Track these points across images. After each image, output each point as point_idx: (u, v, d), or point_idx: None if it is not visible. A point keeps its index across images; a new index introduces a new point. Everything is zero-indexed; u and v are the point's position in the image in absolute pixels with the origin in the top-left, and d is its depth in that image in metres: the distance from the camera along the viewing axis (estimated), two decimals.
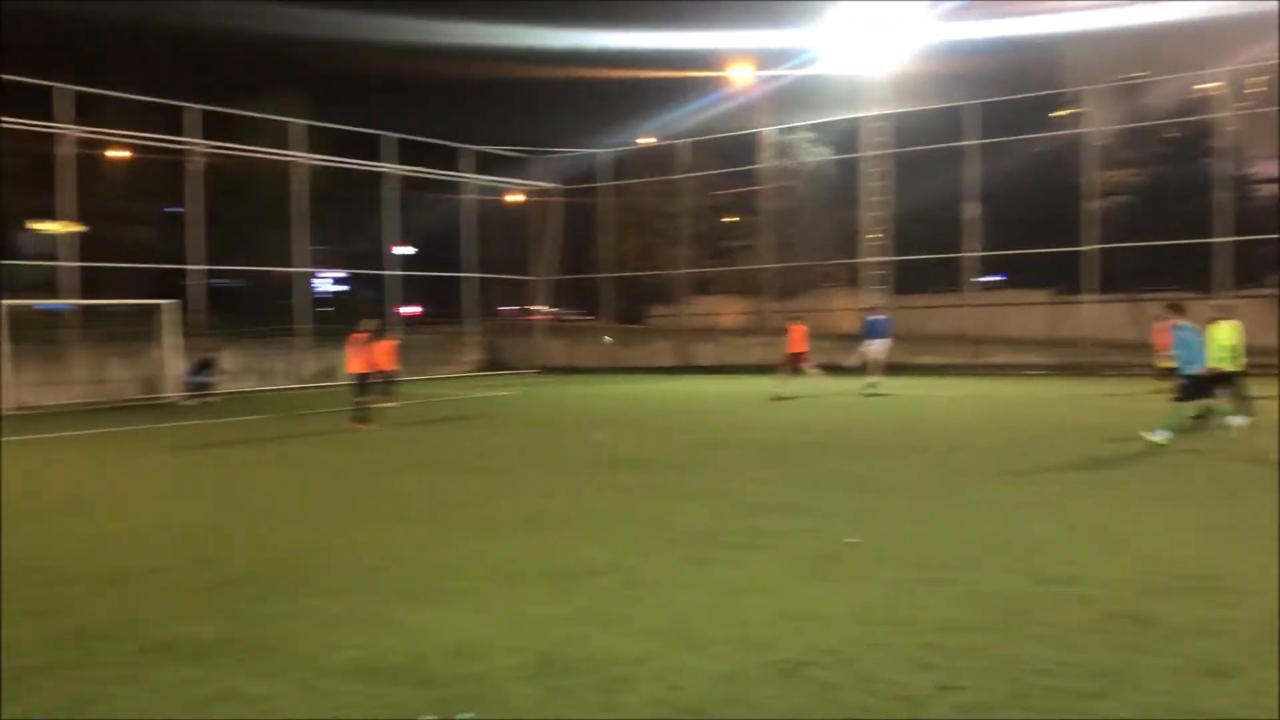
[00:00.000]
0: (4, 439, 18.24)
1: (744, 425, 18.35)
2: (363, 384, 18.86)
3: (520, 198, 41.93)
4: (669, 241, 39.82)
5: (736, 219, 43.17)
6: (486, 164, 39.22)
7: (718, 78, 40.96)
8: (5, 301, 25.22)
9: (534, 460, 14.31)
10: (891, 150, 33.63)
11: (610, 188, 40.16)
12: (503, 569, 7.55)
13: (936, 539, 8.30)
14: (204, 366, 26.29)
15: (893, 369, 25.45)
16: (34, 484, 13.13)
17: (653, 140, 43.92)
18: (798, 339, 24.15)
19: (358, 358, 18.73)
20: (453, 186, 38.70)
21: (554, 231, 40.94)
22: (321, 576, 7.47)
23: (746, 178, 38.16)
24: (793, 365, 24.06)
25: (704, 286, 40.40)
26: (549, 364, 39.37)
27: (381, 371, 20.24)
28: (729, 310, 38.55)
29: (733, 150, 38.09)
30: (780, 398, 22.85)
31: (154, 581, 7.43)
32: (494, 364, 39.44)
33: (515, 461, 14.24)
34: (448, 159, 38.10)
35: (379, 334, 20.32)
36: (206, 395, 25.73)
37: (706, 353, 35.82)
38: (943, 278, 34.23)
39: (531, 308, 43.71)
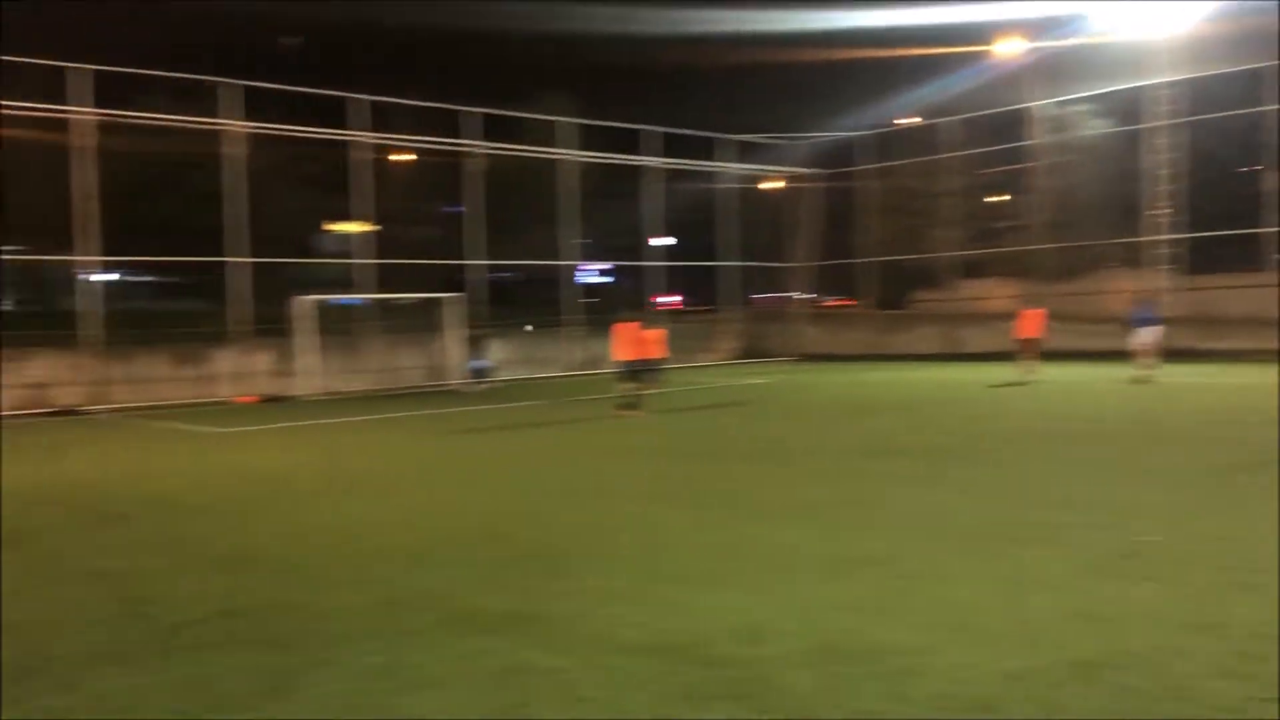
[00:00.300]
0: (318, 422, 20.05)
1: (1015, 413, 17.59)
2: (629, 371, 19.37)
3: (778, 184, 41.78)
4: (932, 223, 38.57)
5: (1005, 198, 41.21)
6: (744, 151, 39.36)
7: (983, 51, 39.17)
8: (309, 297, 27.70)
9: (799, 447, 14.27)
10: (1180, 119, 31.16)
11: (870, 170, 39.35)
12: (777, 555, 7.58)
13: (1240, 537, 7.64)
14: (478, 352, 27.85)
15: (1180, 355, 23.79)
16: (343, 464, 14.36)
17: (914, 120, 42.58)
18: (1031, 324, 23.86)
19: (624, 346, 19.25)
20: (711, 176, 39.08)
21: (812, 216, 40.54)
22: (602, 556, 7.76)
23: (1016, 154, 36.36)
24: (1025, 351, 23.63)
25: (970, 269, 38.79)
26: (807, 351, 39.07)
27: (647, 359, 20.65)
28: (998, 294, 36.84)
29: (1000, 126, 36.37)
30: (1015, 383, 22.46)
31: (450, 556, 7.95)
32: (752, 352, 39.55)
33: (780, 448, 14.26)
34: (706, 149, 38.51)
35: (647, 323, 20.78)
36: (486, 381, 27.21)
37: (974, 338, 34.45)
38: (1242, 255, 31.37)
39: (789, 294, 43.51)
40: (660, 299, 38.17)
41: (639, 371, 19.67)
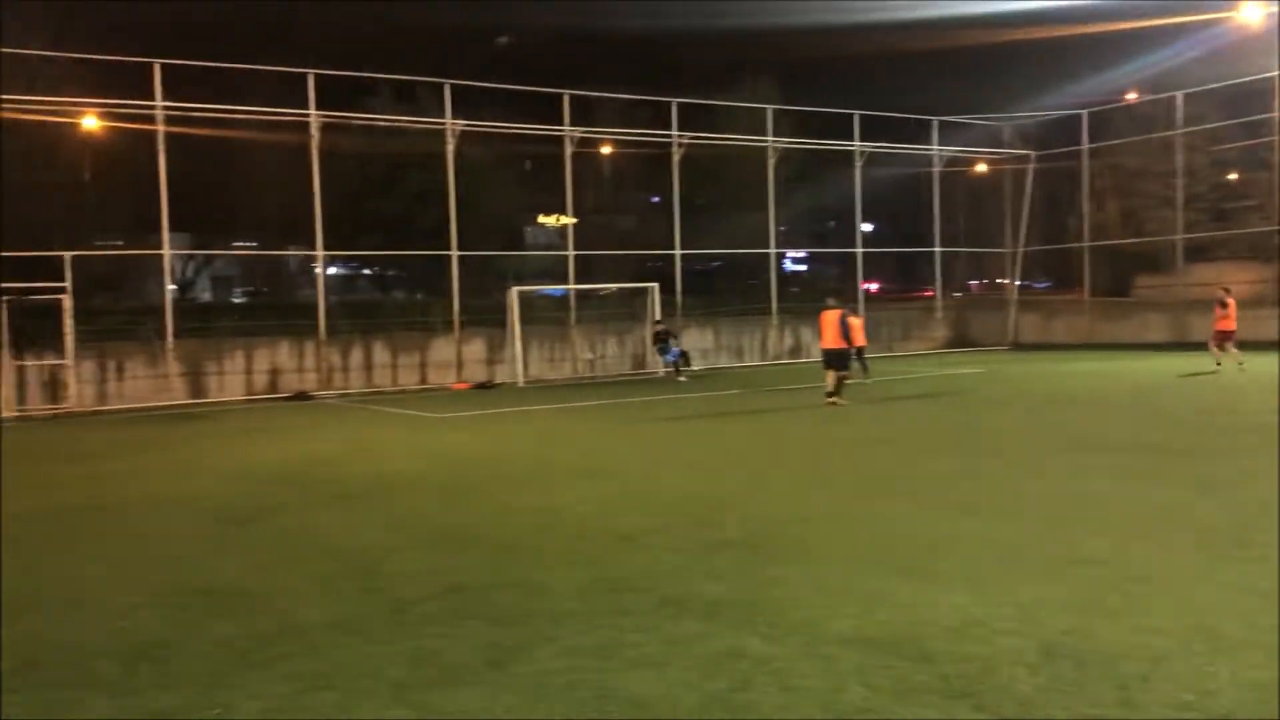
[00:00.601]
0: (527, 408, 20.76)
1: (1247, 406, 16.35)
2: (835, 360, 19.12)
3: (989, 166, 40.20)
4: (1159, 204, 36.24)
5: (1243, 175, 38.28)
6: (951, 133, 38.08)
7: (1219, 18, 36.43)
8: (519, 288, 28.65)
9: (1014, 440, 13.76)
10: None
11: (1090, 149, 37.30)
12: (994, 551, 7.35)
13: None
14: (663, 341, 27.73)
15: None
16: (552, 448, 14.82)
17: (1135, 95, 40.08)
18: (1234, 314, 22.59)
19: (830, 334, 19.01)
20: (914, 159, 38.03)
21: (1026, 199, 38.80)
22: (811, 545, 7.72)
23: (1256, 129, 33.68)
24: (1223, 342, 22.94)
25: (1201, 253, 36.30)
26: (1020, 340, 37.60)
27: (853, 348, 20.32)
28: (1234, 279, 34.31)
29: (1238, 99, 33.77)
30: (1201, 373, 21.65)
31: (660, 541, 8.08)
32: (961, 340, 38.34)
33: (994, 441, 13.79)
34: (909, 131, 37.51)
35: (849, 310, 20.45)
36: (683, 370, 27.26)
37: (1205, 326, 32.21)
38: None
39: (1000, 281, 41.89)
40: (864, 285, 37.49)
41: (845, 360, 19.36)
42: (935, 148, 37.46)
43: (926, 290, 39.63)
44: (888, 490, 10.13)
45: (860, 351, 21.96)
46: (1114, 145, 37.34)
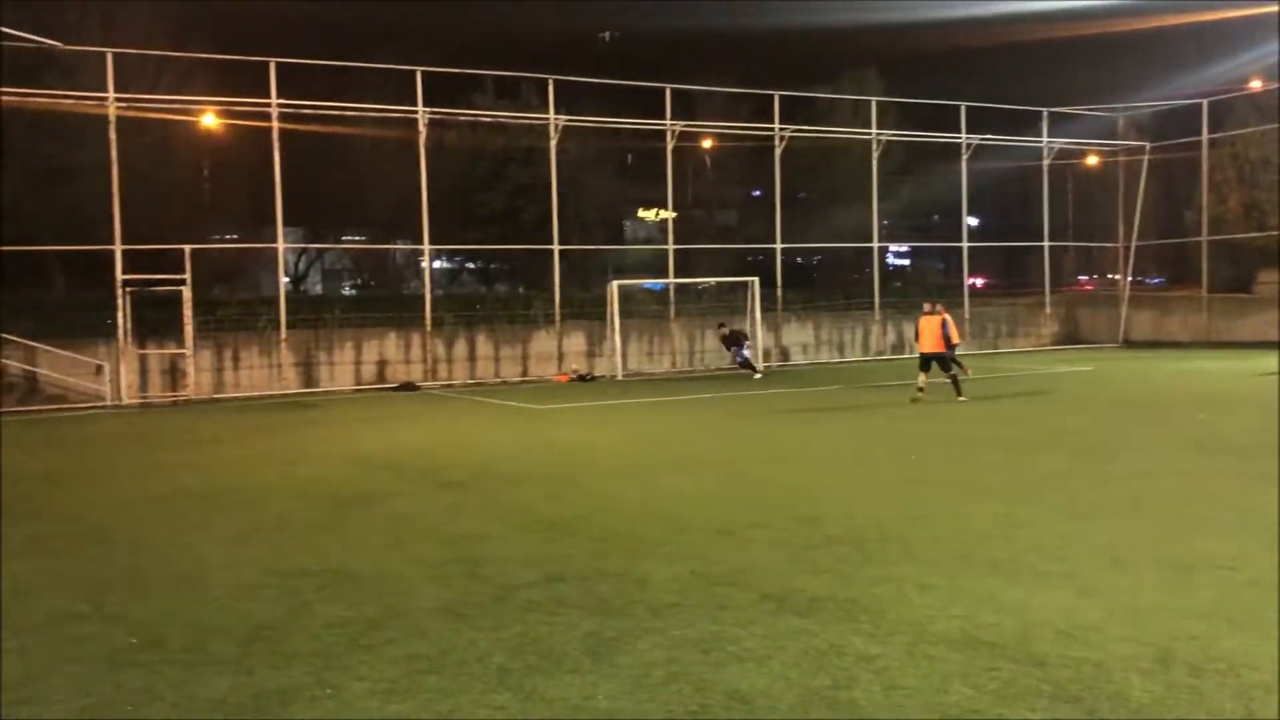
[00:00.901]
0: (625, 401, 20.85)
1: None
2: (933, 358, 18.76)
3: (1101, 158, 38.95)
4: None
5: None
6: (1059, 125, 36.97)
7: None
8: (618, 282, 28.75)
9: (1124, 440, 13.35)
10: None
11: (1210, 140, 35.83)
12: (1106, 553, 7.14)
13: None
14: (738, 344, 26.94)
15: None
16: (649, 440, 14.88)
17: (1257, 84, 38.33)
18: None
19: (929, 339, 18.67)
20: (1022, 152, 37.03)
21: (1140, 192, 37.50)
22: (915, 545, 7.60)
23: None
24: None
25: None
26: (1131, 338, 36.40)
27: (949, 345, 19.92)
28: None
29: None
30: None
31: (759, 536, 8.04)
32: (1070, 337, 37.29)
33: (1104, 440, 13.38)
34: (1017, 123, 36.55)
35: (946, 307, 20.01)
36: (748, 368, 26.53)
37: None
38: None
39: (1111, 276, 40.55)
40: (969, 280, 36.66)
41: (943, 358, 18.96)
42: (1044, 139, 36.43)
43: (1035, 286, 38.54)
44: (993, 490, 9.92)
45: (954, 349, 21.53)
46: (1236, 135, 35.83)
